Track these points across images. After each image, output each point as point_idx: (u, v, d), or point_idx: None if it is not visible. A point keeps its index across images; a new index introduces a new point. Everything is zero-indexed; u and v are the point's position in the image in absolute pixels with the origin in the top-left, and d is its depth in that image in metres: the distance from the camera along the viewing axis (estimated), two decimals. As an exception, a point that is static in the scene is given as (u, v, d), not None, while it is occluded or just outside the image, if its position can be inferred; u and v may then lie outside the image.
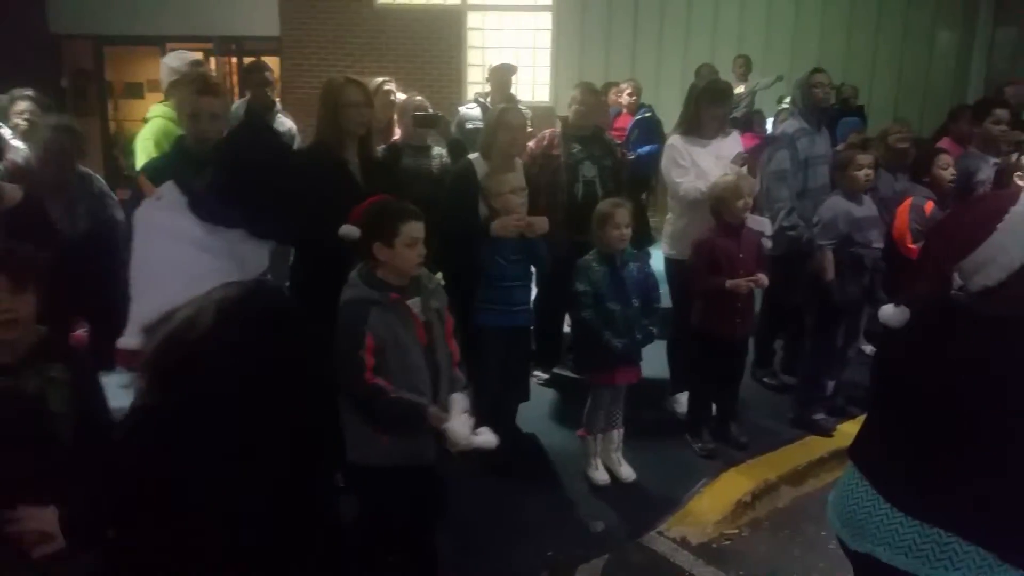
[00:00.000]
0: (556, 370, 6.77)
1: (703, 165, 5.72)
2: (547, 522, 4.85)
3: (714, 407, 5.82)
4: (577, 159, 6.14)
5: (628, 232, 5.03)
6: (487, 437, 3.58)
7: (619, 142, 8.02)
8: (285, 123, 6.86)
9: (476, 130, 6.58)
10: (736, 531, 5.01)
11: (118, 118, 16.13)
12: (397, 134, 6.11)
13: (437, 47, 14.64)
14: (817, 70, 6.47)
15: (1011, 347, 2.31)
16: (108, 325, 4.74)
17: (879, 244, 5.75)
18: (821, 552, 4.76)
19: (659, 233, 6.74)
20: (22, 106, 5.85)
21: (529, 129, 5.98)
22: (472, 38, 14.81)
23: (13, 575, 2.67)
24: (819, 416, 6.00)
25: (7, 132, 5.76)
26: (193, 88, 4.71)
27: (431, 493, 3.90)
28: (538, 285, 5.95)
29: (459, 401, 3.62)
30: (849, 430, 5.81)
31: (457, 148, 6.16)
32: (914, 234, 6.04)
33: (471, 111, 7.52)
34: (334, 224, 3.81)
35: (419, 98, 6.03)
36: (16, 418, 2.93)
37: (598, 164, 6.19)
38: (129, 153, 5.96)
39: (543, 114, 9.27)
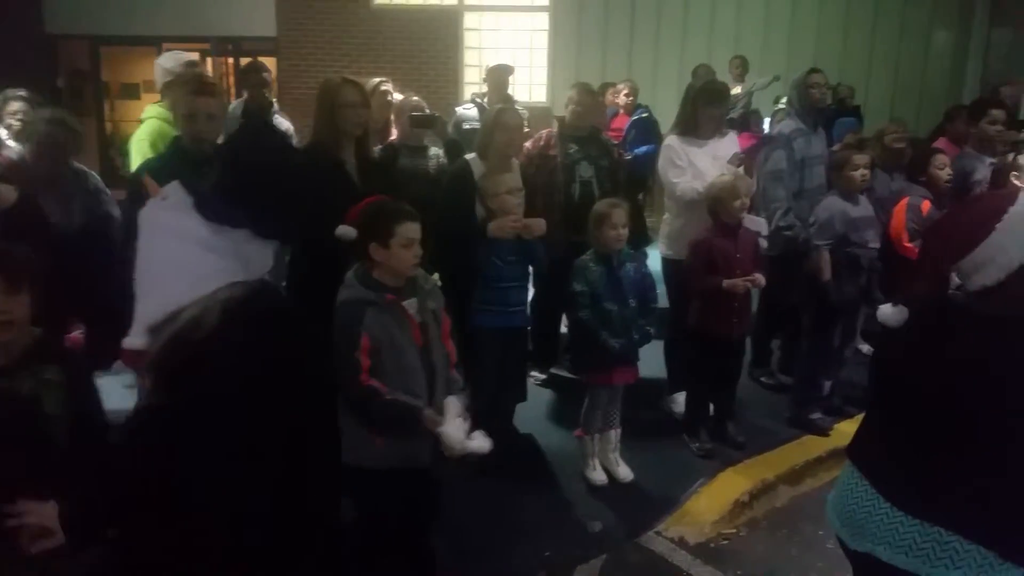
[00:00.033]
0: (553, 370, 6.76)
1: (700, 165, 5.72)
2: (545, 522, 4.85)
3: (711, 407, 5.81)
4: (574, 159, 6.13)
5: (625, 232, 5.02)
6: (481, 442, 3.58)
7: (616, 142, 8.04)
8: (282, 124, 6.83)
9: (473, 130, 6.58)
10: (734, 531, 5.01)
11: (114, 119, 16.11)
12: (394, 134, 6.11)
13: (434, 48, 14.65)
14: (813, 70, 6.47)
15: (1010, 347, 2.31)
16: (104, 324, 4.75)
17: (875, 244, 5.75)
18: (819, 551, 4.76)
19: (656, 233, 6.74)
20: (15, 106, 5.84)
21: (526, 130, 5.98)
22: (469, 39, 14.83)
23: (12, 573, 2.67)
24: (816, 416, 6.00)
25: (2, 132, 5.75)
26: (189, 88, 4.70)
27: (427, 495, 3.89)
28: (535, 285, 5.95)
29: (454, 404, 3.62)
30: (846, 429, 5.82)
31: (454, 148, 6.15)
32: (911, 233, 6.04)
33: (468, 111, 7.52)
34: (331, 224, 3.81)
35: (416, 98, 6.03)
36: (10, 420, 2.93)
37: (595, 164, 6.19)
38: (125, 154, 5.94)
39: (540, 115, 9.29)
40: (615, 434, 5.34)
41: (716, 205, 5.35)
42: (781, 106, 9.90)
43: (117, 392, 4.83)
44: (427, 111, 5.93)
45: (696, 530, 4.91)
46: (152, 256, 2.25)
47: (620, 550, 4.68)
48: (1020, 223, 2.36)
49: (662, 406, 6.24)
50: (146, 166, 4.75)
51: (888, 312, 2.61)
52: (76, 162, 5.31)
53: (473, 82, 14.11)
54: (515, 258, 5.09)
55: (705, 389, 5.77)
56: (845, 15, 14.21)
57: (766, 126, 10.57)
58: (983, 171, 6.52)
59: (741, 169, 5.78)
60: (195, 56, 6.36)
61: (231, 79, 15.06)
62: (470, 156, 5.41)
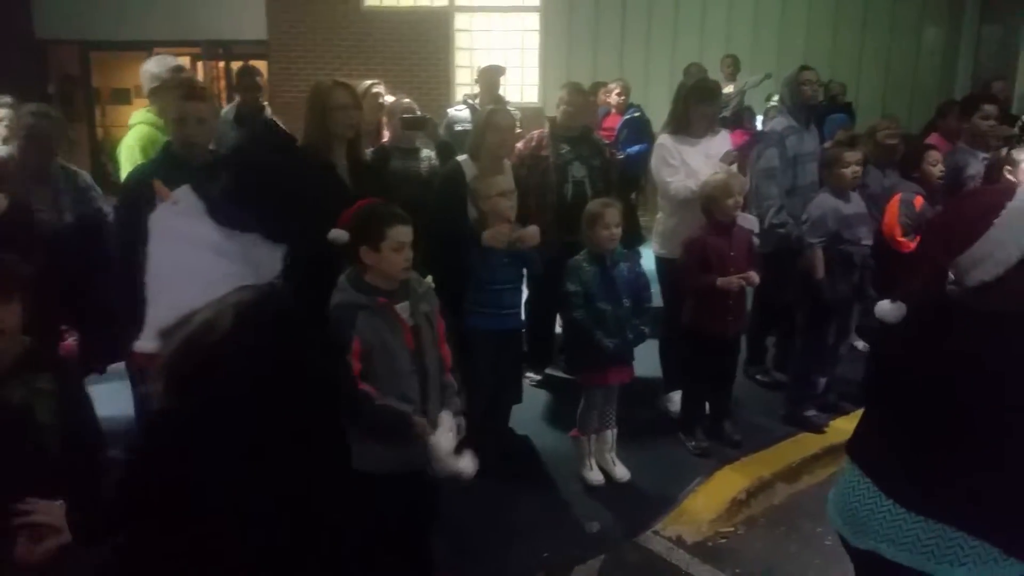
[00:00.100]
0: (549, 371, 6.74)
1: (693, 164, 5.72)
2: (542, 523, 4.84)
3: (707, 405, 5.81)
4: (566, 160, 6.13)
5: (618, 232, 5.02)
6: (468, 463, 3.58)
7: (608, 142, 8.03)
8: (273, 127, 6.83)
9: (465, 132, 6.57)
10: (732, 529, 5.00)
11: (105, 124, 16.10)
12: (385, 137, 6.10)
13: (425, 49, 14.64)
14: (805, 67, 6.47)
15: (1008, 342, 2.31)
16: (99, 325, 4.75)
17: (868, 241, 5.75)
18: (817, 548, 4.76)
19: (649, 232, 6.73)
20: (1, 113, 5.80)
21: (518, 130, 5.97)
22: (460, 39, 14.82)
23: (13, 574, 2.68)
24: (811, 413, 6.00)
25: None
26: (179, 93, 4.70)
27: (425, 497, 3.89)
28: (529, 286, 5.95)
29: (447, 419, 3.62)
30: (842, 426, 5.84)
31: (446, 150, 6.14)
32: (904, 228, 6.04)
33: (460, 113, 7.51)
34: (323, 228, 3.80)
35: (407, 100, 6.01)
36: (2, 429, 2.91)
37: (587, 164, 6.19)
38: (115, 160, 5.91)
39: (532, 115, 9.28)
40: (611, 434, 5.34)
41: (710, 203, 5.35)
42: (773, 104, 9.92)
43: (111, 399, 4.83)
44: (418, 113, 5.91)
45: (694, 529, 4.90)
46: (163, 260, 2.25)
47: (618, 550, 4.68)
48: (1018, 218, 2.36)
49: (658, 405, 6.23)
50: (136, 172, 4.74)
51: (886, 308, 2.61)
52: (64, 161, 5.27)
53: (464, 83, 14.11)
54: (508, 260, 5.08)
55: (701, 388, 5.77)
56: (835, 13, 14.22)
57: (759, 124, 10.57)
58: (976, 166, 6.53)
59: (734, 167, 5.78)
60: (182, 61, 6.32)
61: (222, 83, 15.05)
62: (462, 158, 5.40)
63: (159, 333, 2.17)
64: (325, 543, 2.28)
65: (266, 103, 7.36)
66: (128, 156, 5.43)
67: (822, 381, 6.10)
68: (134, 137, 5.53)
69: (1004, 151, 6.29)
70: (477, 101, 7.56)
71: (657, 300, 5.62)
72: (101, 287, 4.72)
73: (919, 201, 6.11)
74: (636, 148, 8.81)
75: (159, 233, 2.28)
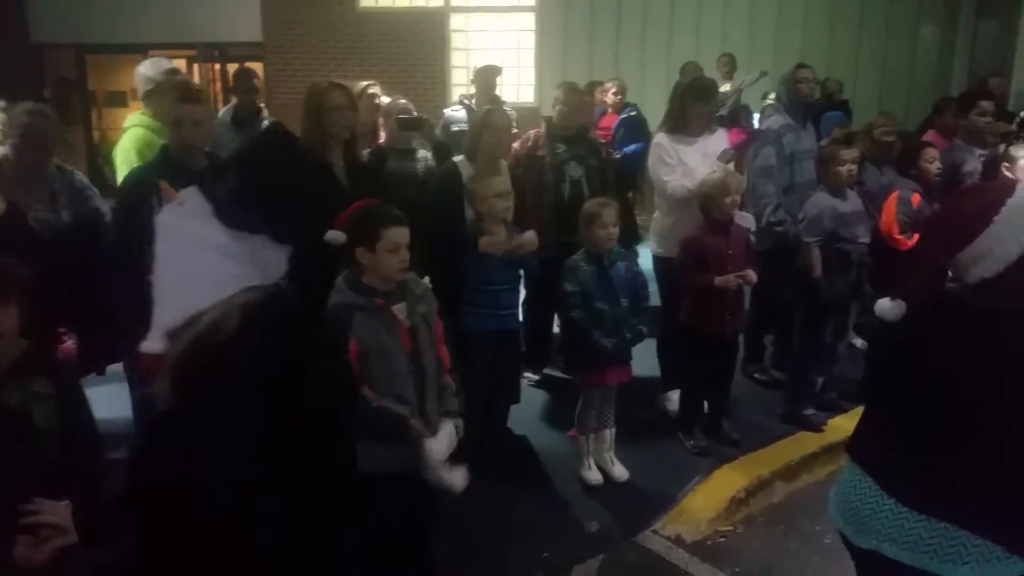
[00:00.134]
0: (547, 371, 6.75)
1: (690, 163, 5.71)
2: (541, 523, 4.84)
3: (706, 404, 5.80)
4: (563, 159, 6.12)
5: (615, 231, 5.01)
6: (458, 478, 3.58)
7: (605, 141, 8.02)
8: (269, 129, 6.83)
9: (461, 132, 6.57)
10: (731, 528, 5.00)
11: (102, 127, 16.08)
12: (382, 138, 6.09)
13: (421, 50, 14.63)
14: (802, 65, 6.46)
15: (1008, 339, 2.30)
16: (98, 326, 4.74)
17: (865, 239, 5.74)
18: (816, 547, 4.77)
19: (647, 232, 6.73)
20: None
21: (514, 130, 5.96)
22: (456, 40, 14.81)
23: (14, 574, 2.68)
24: (809, 412, 6.00)
25: None
26: (175, 96, 4.69)
27: (424, 498, 3.88)
28: (527, 286, 5.94)
29: (447, 430, 3.62)
30: (840, 424, 5.84)
31: (442, 150, 6.14)
32: (901, 225, 6.04)
33: (456, 113, 7.50)
34: (320, 229, 3.79)
35: (403, 101, 6.01)
36: (-1, 433, 2.91)
37: (584, 164, 6.18)
38: (111, 163, 5.90)
39: (528, 115, 9.27)
40: (610, 433, 5.34)
41: (707, 202, 5.34)
42: (769, 102, 9.92)
43: (109, 401, 4.83)
44: (415, 113, 5.91)
45: (693, 528, 4.90)
46: (170, 261, 2.26)
47: (617, 549, 4.68)
48: (1018, 215, 2.36)
49: (656, 405, 6.23)
50: (134, 174, 4.74)
51: (887, 306, 2.61)
52: (60, 161, 5.25)
53: (460, 84, 14.11)
54: (505, 261, 5.07)
55: (699, 387, 5.76)
56: (831, 10, 14.22)
57: (756, 122, 10.56)
58: (973, 163, 6.53)
59: (731, 165, 5.77)
60: (176, 63, 6.32)
61: (218, 85, 15.04)
62: (458, 158, 5.40)
63: (166, 334, 2.17)
64: (327, 544, 2.28)
65: (263, 105, 7.35)
66: (124, 159, 5.43)
67: (820, 380, 6.09)
68: (130, 140, 5.53)
69: (1002, 148, 6.29)
70: (473, 101, 7.55)
71: (655, 299, 5.62)
72: (100, 288, 4.72)
73: (916, 198, 6.11)
74: (632, 147, 8.79)
75: (166, 234, 2.29)
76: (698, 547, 4.76)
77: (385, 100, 6.21)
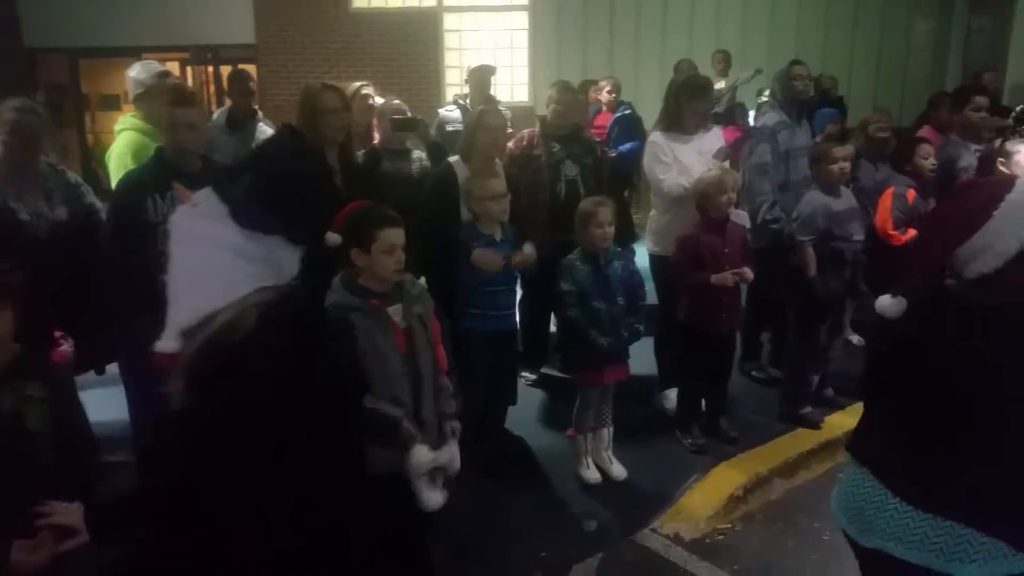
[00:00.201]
0: (544, 370, 6.75)
1: (685, 161, 5.70)
2: (540, 522, 4.84)
3: (703, 402, 5.80)
4: (558, 158, 6.11)
5: (611, 230, 5.01)
6: (434, 497, 3.56)
7: (600, 140, 8.02)
8: (266, 131, 6.82)
9: (456, 132, 6.56)
10: (729, 525, 5.00)
11: (95, 130, 16.05)
12: (376, 138, 6.08)
13: (414, 50, 14.62)
14: (796, 62, 6.45)
15: (1007, 335, 2.30)
16: (95, 325, 4.73)
17: (859, 237, 5.72)
18: (815, 544, 4.76)
19: (643, 230, 6.73)
20: None
21: (509, 130, 5.95)
22: (449, 40, 14.79)
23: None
24: (806, 410, 5.99)
25: None
26: (168, 99, 4.69)
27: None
28: (523, 286, 5.93)
29: (449, 449, 3.60)
30: (838, 421, 5.85)
31: (437, 151, 6.13)
32: (896, 221, 6.04)
33: (450, 113, 7.50)
34: (320, 230, 3.79)
35: (397, 102, 6.00)
36: (-8, 438, 2.91)
37: (579, 163, 6.17)
38: (104, 166, 5.89)
39: (523, 114, 9.26)
40: (607, 432, 5.33)
41: (703, 200, 5.34)
42: (764, 99, 9.92)
43: (104, 404, 4.82)
44: (409, 114, 5.89)
45: (691, 526, 4.90)
46: (185, 262, 2.27)
47: (616, 548, 4.67)
48: (1017, 210, 2.36)
49: (654, 403, 6.23)
50: (129, 177, 4.74)
51: (887, 303, 2.60)
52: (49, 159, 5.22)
53: (454, 83, 14.10)
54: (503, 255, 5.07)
55: (696, 385, 5.76)
56: (825, 7, 14.21)
57: (751, 119, 10.58)
58: (968, 158, 6.52)
59: (727, 163, 5.77)
60: (169, 66, 6.32)
61: (211, 87, 15.02)
62: (453, 159, 5.39)
63: (181, 333, 2.18)
64: (337, 544, 2.28)
65: (257, 107, 7.34)
66: (119, 163, 5.42)
67: (815, 379, 6.08)
68: (123, 144, 5.52)
69: (998, 142, 6.28)
70: (468, 101, 7.55)
71: (651, 298, 5.61)
72: (97, 286, 4.71)
73: (911, 194, 6.11)
74: (628, 146, 8.80)
75: (180, 235, 2.30)
76: (697, 545, 4.76)
77: (379, 101, 6.20)
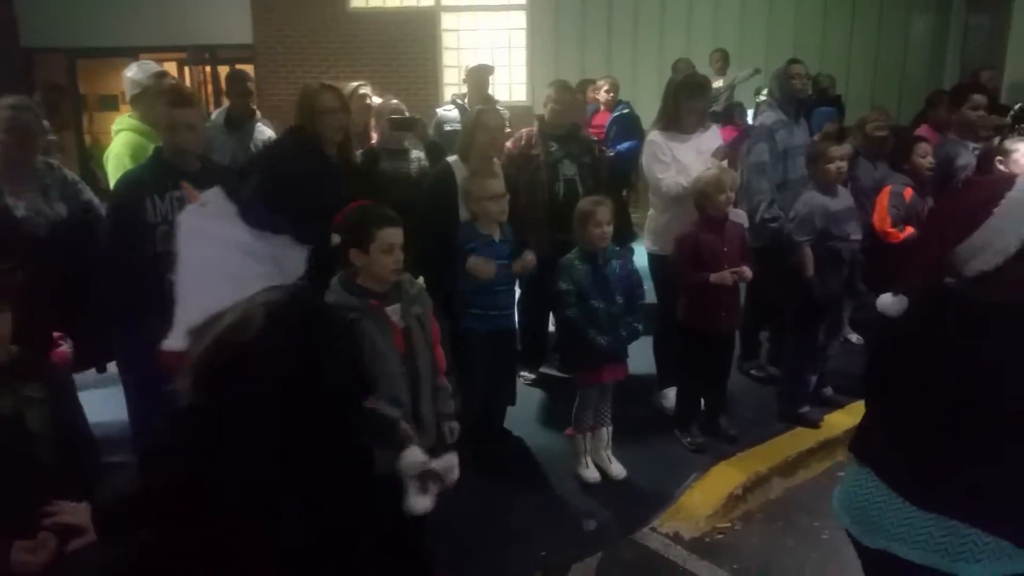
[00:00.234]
0: (543, 370, 6.75)
1: (684, 160, 5.69)
2: (539, 522, 4.83)
3: (702, 401, 5.80)
4: (556, 158, 6.10)
5: (609, 230, 5.00)
6: (420, 502, 3.55)
7: (598, 139, 8.01)
8: (264, 131, 6.81)
9: (454, 132, 6.56)
10: (729, 524, 5.00)
11: (93, 131, 16.03)
12: (374, 138, 6.08)
13: (412, 49, 14.61)
14: (794, 61, 6.45)
15: (1007, 333, 2.30)
16: (96, 323, 4.73)
17: (857, 236, 5.71)
18: (815, 543, 4.77)
19: (641, 229, 6.72)
20: None
21: (507, 129, 5.95)
22: (447, 39, 14.78)
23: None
24: (805, 409, 5.98)
25: None
26: (167, 100, 4.68)
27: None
28: (522, 286, 5.94)
29: (451, 455, 3.60)
30: (837, 420, 5.85)
31: (435, 150, 6.12)
32: (895, 219, 6.04)
33: (449, 113, 7.50)
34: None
35: (395, 101, 5.99)
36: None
37: (577, 162, 6.16)
38: (102, 167, 5.89)
39: (521, 114, 9.25)
40: (607, 431, 5.33)
41: (702, 199, 5.33)
42: (763, 98, 9.92)
43: (103, 404, 4.82)
44: (407, 114, 5.89)
45: (691, 525, 4.90)
46: (193, 261, 2.28)
47: (615, 547, 4.67)
48: (1017, 207, 2.36)
49: (653, 402, 6.22)
50: (127, 177, 4.73)
51: (888, 301, 2.60)
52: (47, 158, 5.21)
53: (452, 83, 14.09)
54: (502, 262, 5.07)
55: (695, 384, 5.75)
56: (823, 6, 14.21)
57: (749, 119, 10.57)
58: (966, 157, 6.53)
59: (725, 162, 5.76)
60: (163, 67, 6.31)
61: (209, 87, 15.01)
62: (452, 159, 5.38)
63: (189, 331, 2.18)
64: (344, 544, 2.29)
65: (256, 108, 7.33)
66: (117, 164, 5.42)
67: (813, 379, 6.07)
68: (122, 144, 5.52)
69: (996, 141, 6.28)
70: (466, 101, 7.55)
71: (650, 297, 5.61)
72: (96, 285, 4.70)
73: (908, 192, 6.12)
74: (626, 145, 8.79)
75: (189, 234, 2.31)
76: (696, 544, 4.76)
77: (376, 100, 6.20)
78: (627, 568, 4.55)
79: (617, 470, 5.29)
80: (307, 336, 2.19)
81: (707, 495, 5.16)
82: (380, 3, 14.72)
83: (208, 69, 15.25)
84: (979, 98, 6.82)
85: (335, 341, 2.35)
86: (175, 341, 2.23)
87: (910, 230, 5.97)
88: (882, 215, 6.07)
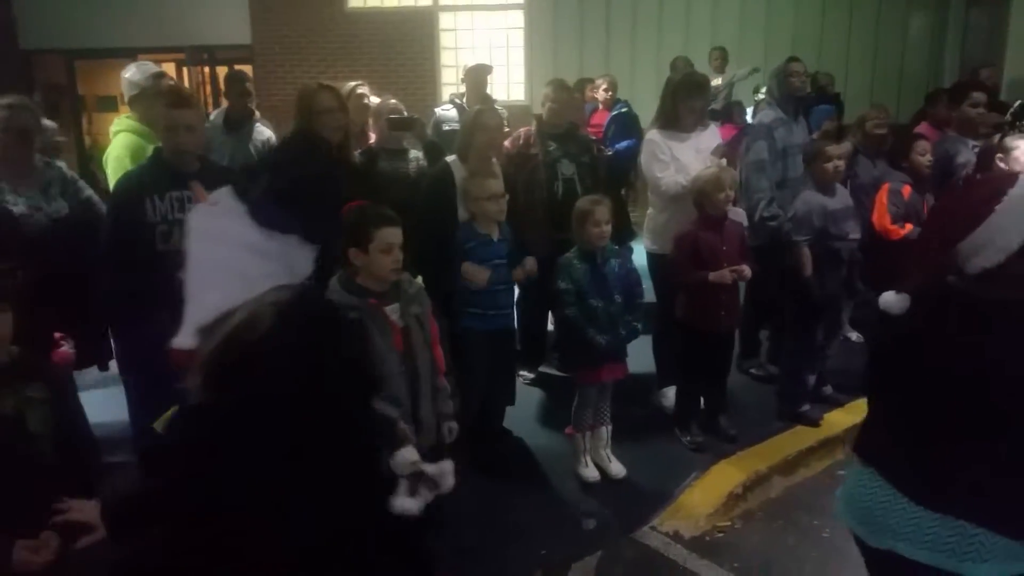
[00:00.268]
0: (542, 369, 6.74)
1: (683, 159, 5.69)
2: (539, 521, 4.83)
3: (702, 400, 5.79)
4: (554, 157, 6.10)
5: (608, 229, 5.00)
6: (408, 503, 3.55)
7: (596, 138, 8.01)
8: (263, 132, 6.81)
9: (453, 132, 6.54)
10: (729, 523, 5.00)
11: (93, 132, 16.03)
12: (372, 138, 6.08)
13: (410, 49, 14.61)
14: (792, 59, 6.45)
15: (1009, 330, 2.30)
16: (97, 321, 4.73)
17: (855, 235, 5.70)
18: (815, 541, 4.77)
19: (640, 228, 6.72)
20: None
21: (506, 129, 5.95)
22: (445, 39, 14.78)
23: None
24: (805, 408, 5.97)
25: None
26: (165, 101, 4.68)
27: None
28: (521, 285, 5.93)
29: (445, 462, 3.60)
30: (837, 418, 5.85)
31: (434, 150, 6.11)
32: (894, 216, 6.04)
33: (447, 112, 7.49)
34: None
35: (393, 101, 5.99)
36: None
37: (575, 161, 6.16)
38: (101, 168, 5.88)
39: (519, 113, 9.24)
40: (606, 430, 5.33)
41: (701, 198, 5.33)
42: (761, 96, 9.92)
43: (103, 405, 4.83)
44: (405, 113, 5.88)
45: (691, 524, 4.90)
46: (202, 259, 2.30)
47: (615, 546, 4.67)
48: (1020, 204, 2.36)
49: (652, 401, 6.22)
50: (127, 177, 4.73)
51: (891, 299, 2.59)
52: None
53: (451, 83, 14.08)
54: (501, 261, 5.07)
55: (695, 383, 5.75)
56: (822, 4, 14.20)
57: (749, 117, 10.57)
58: (966, 154, 6.53)
59: (724, 161, 5.76)
60: (161, 68, 6.31)
61: (207, 88, 15.00)
62: (450, 158, 5.38)
63: (198, 330, 2.19)
64: (352, 545, 2.29)
65: (255, 108, 7.33)
66: (118, 165, 5.41)
67: (811, 378, 6.07)
68: (121, 145, 5.52)
69: (996, 138, 6.28)
70: (464, 100, 7.54)
71: (649, 296, 5.61)
72: (97, 285, 4.70)
73: (907, 190, 6.11)
74: (624, 144, 8.77)
75: (198, 233, 2.33)
76: (696, 543, 4.76)
77: (374, 100, 6.19)
78: (627, 567, 4.54)
79: (617, 469, 5.28)
80: (316, 335, 2.19)
81: (707, 494, 5.16)
82: (378, 3, 14.71)
83: (206, 70, 15.25)
84: (979, 95, 6.82)
85: (343, 340, 2.35)
86: (185, 339, 2.24)
87: (910, 227, 5.97)
88: (881, 212, 6.07)
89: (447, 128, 7.15)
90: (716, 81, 10.84)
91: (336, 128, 4.78)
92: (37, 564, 2.69)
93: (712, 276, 5.21)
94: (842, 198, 5.72)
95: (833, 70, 12.70)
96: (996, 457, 2.31)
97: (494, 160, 5.43)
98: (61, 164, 5.12)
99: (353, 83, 6.16)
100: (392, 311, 3.62)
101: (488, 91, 7.76)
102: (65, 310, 4.52)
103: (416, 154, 5.89)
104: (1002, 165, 5.77)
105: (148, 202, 4.44)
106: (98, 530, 2.44)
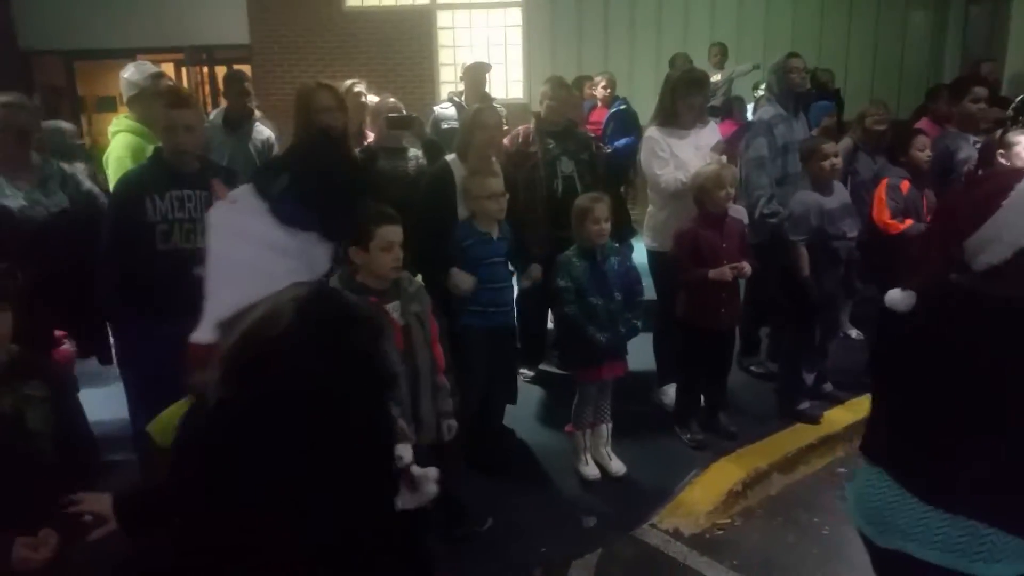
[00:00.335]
0: (542, 367, 6.74)
1: (683, 156, 5.69)
2: (539, 519, 4.83)
3: (702, 398, 5.79)
4: (554, 155, 6.09)
5: (607, 226, 5.00)
6: (404, 499, 3.56)
7: (595, 136, 8.01)
8: (263, 131, 6.81)
9: (452, 130, 6.54)
10: (729, 521, 5.00)
11: (92, 132, 16.04)
12: (370, 137, 6.07)
13: (409, 47, 14.61)
14: (792, 55, 6.43)
15: (1012, 327, 2.29)
16: (96, 315, 4.72)
17: (853, 233, 5.70)
18: (815, 539, 4.77)
19: (640, 226, 6.71)
20: None
21: (505, 127, 5.95)
22: (443, 37, 14.78)
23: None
24: (805, 405, 5.97)
25: None
26: (164, 102, 4.68)
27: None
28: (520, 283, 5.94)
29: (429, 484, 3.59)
30: (837, 416, 5.85)
31: (433, 149, 6.11)
32: (893, 211, 6.03)
33: (446, 111, 7.49)
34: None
35: (392, 100, 5.99)
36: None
37: (575, 159, 6.15)
38: (101, 169, 5.88)
39: (518, 111, 9.24)
40: (606, 428, 5.33)
41: (701, 195, 5.32)
42: (761, 92, 9.91)
43: (103, 404, 4.83)
44: (404, 112, 5.88)
45: (691, 521, 4.90)
46: (223, 256, 2.33)
47: (615, 544, 4.67)
48: None
49: (652, 399, 6.22)
50: (127, 177, 4.73)
51: (897, 297, 2.58)
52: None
53: (449, 81, 14.09)
54: (500, 259, 5.06)
55: (695, 380, 5.75)
56: (820, 0, 14.20)
57: (749, 113, 10.56)
58: (967, 150, 6.51)
59: (724, 158, 5.75)
60: (160, 68, 6.31)
61: (206, 88, 15.01)
62: (450, 157, 5.37)
63: (217, 325, 2.21)
64: (369, 542, 2.29)
65: (256, 107, 7.32)
66: (118, 165, 5.41)
67: (810, 377, 6.06)
68: (121, 146, 5.52)
69: (998, 134, 6.27)
70: (463, 99, 7.54)
71: (649, 293, 5.60)
72: (96, 278, 4.70)
73: (905, 185, 6.10)
74: (623, 141, 8.77)
75: (219, 230, 2.35)
76: (696, 540, 4.76)
77: (372, 98, 6.19)
78: (627, 564, 4.54)
79: (617, 467, 5.28)
80: (335, 331, 2.20)
81: (707, 491, 5.16)
82: (376, 2, 14.73)
83: (205, 70, 15.26)
84: (980, 91, 6.79)
85: (362, 337, 2.36)
86: (204, 334, 2.26)
87: (909, 222, 5.96)
88: (880, 208, 6.07)
89: (446, 126, 7.15)
90: (715, 77, 10.84)
91: (334, 127, 4.77)
92: (36, 561, 2.69)
93: (712, 273, 5.21)
94: (839, 196, 5.72)
95: (833, 66, 12.69)
96: (1000, 454, 2.30)
97: (494, 158, 5.42)
98: (59, 163, 5.12)
99: (350, 81, 6.15)
100: (392, 309, 3.62)
101: (487, 89, 7.76)
102: (66, 304, 4.53)
103: (415, 153, 5.89)
104: (1003, 161, 5.76)
105: (148, 201, 4.44)
106: (110, 522, 2.45)
